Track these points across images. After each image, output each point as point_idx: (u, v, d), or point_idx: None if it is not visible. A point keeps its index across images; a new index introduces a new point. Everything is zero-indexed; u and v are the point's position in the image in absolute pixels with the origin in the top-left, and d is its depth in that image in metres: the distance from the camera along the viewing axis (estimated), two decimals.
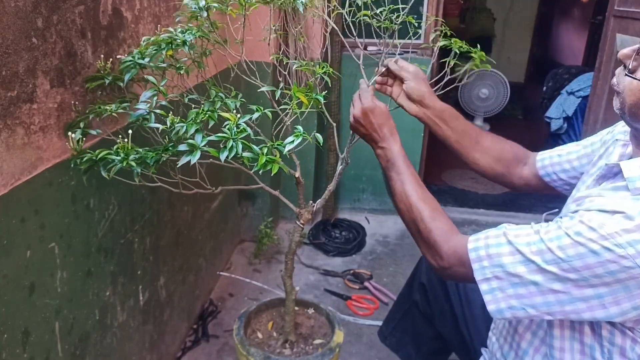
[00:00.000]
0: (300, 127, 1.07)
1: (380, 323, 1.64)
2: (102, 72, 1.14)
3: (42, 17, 0.98)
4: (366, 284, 2.35)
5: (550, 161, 1.20)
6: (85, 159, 1.02)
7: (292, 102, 1.10)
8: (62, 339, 1.14)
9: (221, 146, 0.98)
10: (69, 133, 1.05)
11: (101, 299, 1.30)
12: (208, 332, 2.00)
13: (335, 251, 2.62)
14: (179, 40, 1.09)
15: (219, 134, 0.98)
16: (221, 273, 2.33)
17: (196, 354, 1.90)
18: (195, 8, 1.11)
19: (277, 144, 1.03)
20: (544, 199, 3.28)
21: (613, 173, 0.92)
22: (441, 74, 1.31)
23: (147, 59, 1.09)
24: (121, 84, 1.13)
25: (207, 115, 1.01)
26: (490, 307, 0.90)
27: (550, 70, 4.55)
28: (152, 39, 1.12)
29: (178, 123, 0.99)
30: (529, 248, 0.85)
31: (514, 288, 0.87)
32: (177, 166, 0.99)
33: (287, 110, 1.17)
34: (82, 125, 1.08)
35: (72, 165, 1.07)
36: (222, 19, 1.22)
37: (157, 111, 1.04)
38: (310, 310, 1.61)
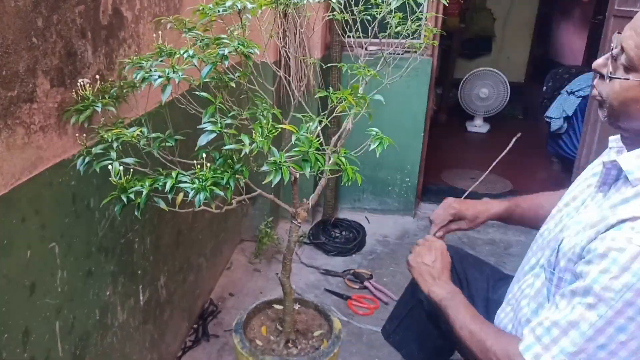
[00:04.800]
0: (376, 129, 1.06)
1: (381, 323, 1.64)
2: (86, 100, 1.05)
3: (42, 17, 0.98)
4: (366, 283, 2.35)
5: None
6: (131, 190, 0.97)
7: (345, 104, 1.08)
8: (63, 339, 1.14)
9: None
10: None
11: (101, 298, 1.30)
12: (208, 331, 2.00)
13: (336, 251, 2.62)
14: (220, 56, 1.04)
15: (297, 149, 0.99)
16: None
17: (196, 353, 1.91)
18: (220, 12, 1.07)
19: (344, 153, 1.04)
20: None
21: (612, 177, 0.94)
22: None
23: (181, 74, 1.01)
24: (113, 109, 1.07)
25: (273, 131, 0.99)
26: None
27: (550, 70, 4.54)
28: (186, 54, 1.03)
29: (254, 142, 0.96)
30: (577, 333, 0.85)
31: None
32: (267, 184, 1.00)
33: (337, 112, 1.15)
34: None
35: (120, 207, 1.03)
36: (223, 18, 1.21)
37: (227, 131, 1.00)
38: (297, 306, 1.60)
